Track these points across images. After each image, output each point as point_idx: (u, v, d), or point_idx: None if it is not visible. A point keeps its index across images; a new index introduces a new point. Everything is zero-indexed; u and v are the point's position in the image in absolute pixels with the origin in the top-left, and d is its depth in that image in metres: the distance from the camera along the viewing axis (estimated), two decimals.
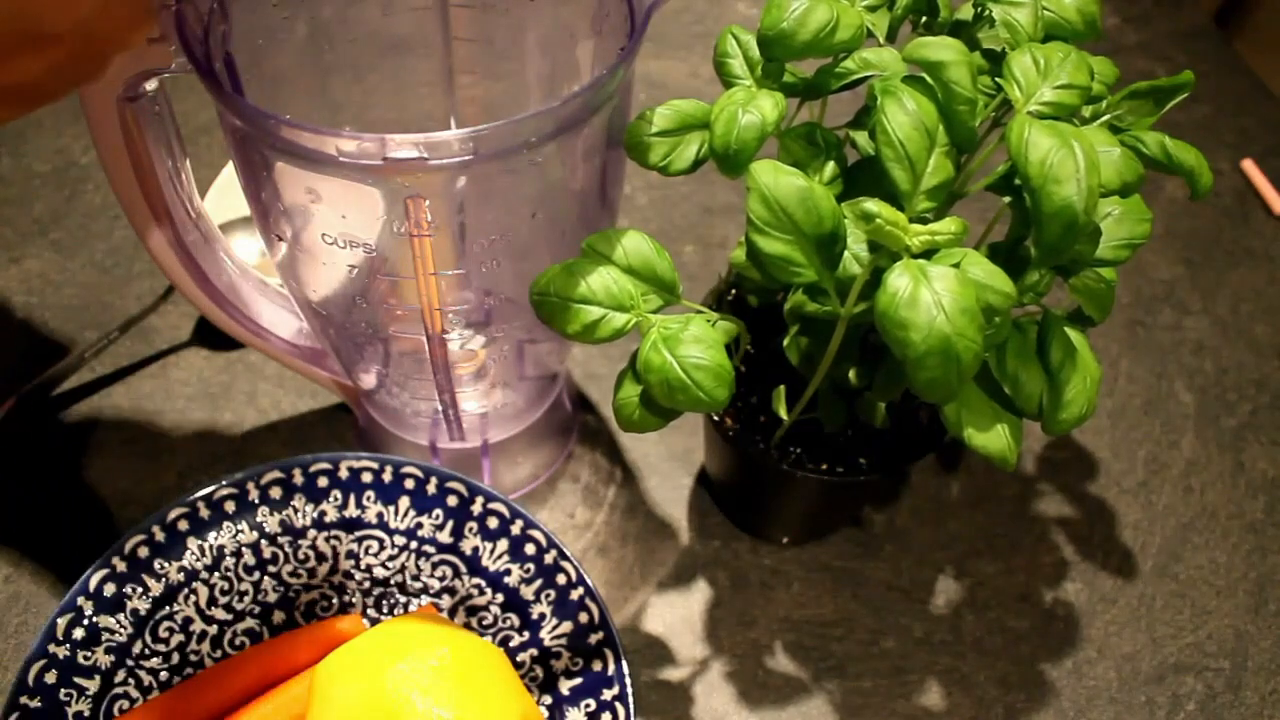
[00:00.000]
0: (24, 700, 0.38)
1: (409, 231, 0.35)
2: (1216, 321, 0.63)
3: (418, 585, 0.45)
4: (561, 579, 0.43)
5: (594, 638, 0.42)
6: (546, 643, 0.43)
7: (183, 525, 0.43)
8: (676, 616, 0.49)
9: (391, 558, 0.45)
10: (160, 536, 0.42)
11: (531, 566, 0.43)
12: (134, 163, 0.38)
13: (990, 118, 0.37)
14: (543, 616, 0.43)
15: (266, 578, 0.44)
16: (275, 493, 0.44)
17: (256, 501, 0.44)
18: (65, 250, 0.61)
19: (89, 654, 0.40)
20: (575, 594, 0.42)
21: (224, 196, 0.59)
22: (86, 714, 0.39)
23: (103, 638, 0.40)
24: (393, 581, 0.45)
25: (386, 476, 0.45)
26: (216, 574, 0.43)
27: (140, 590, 0.41)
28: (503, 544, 0.44)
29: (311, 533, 0.44)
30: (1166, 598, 0.51)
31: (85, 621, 0.40)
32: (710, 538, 0.51)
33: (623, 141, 0.39)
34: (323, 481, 0.44)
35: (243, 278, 0.45)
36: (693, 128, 0.38)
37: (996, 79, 0.37)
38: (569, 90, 0.35)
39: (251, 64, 0.38)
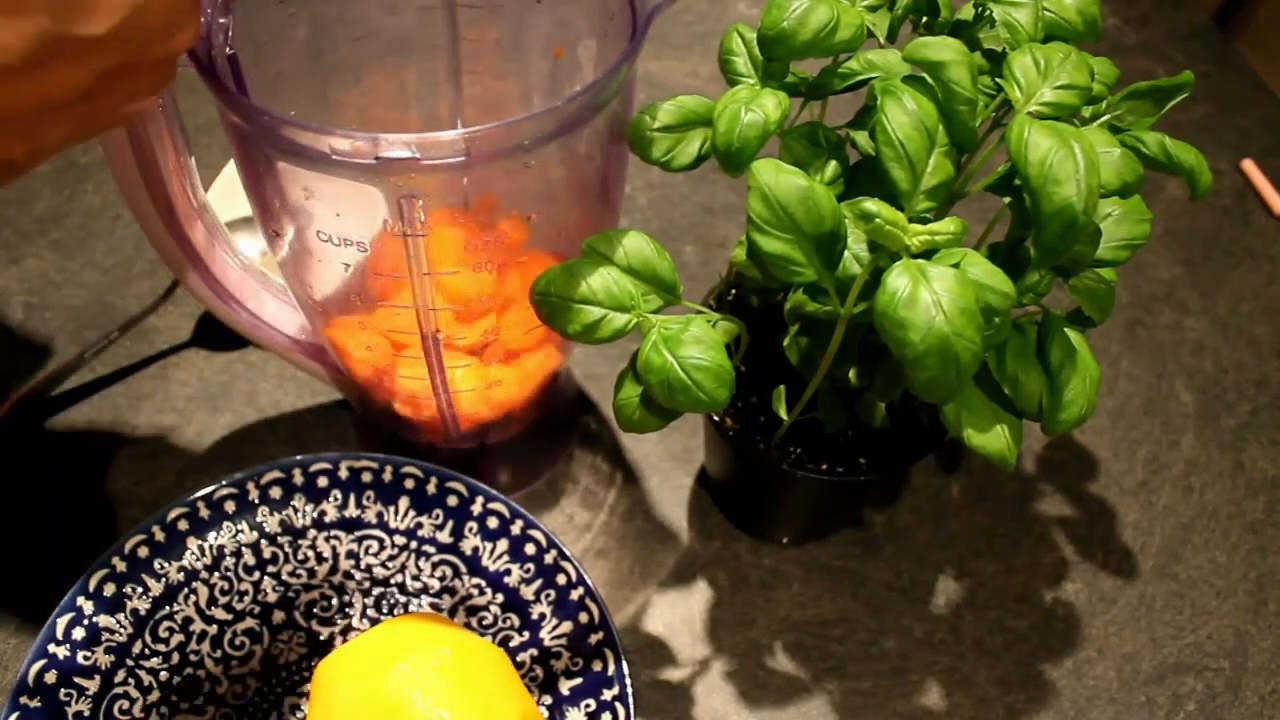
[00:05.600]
0: (24, 700, 0.38)
1: (403, 231, 0.35)
2: (1216, 321, 0.63)
3: (418, 585, 0.45)
4: (561, 579, 0.43)
5: (594, 638, 0.42)
6: (546, 643, 0.43)
7: (183, 525, 0.43)
8: (676, 616, 0.49)
9: (391, 558, 0.45)
10: (160, 536, 0.42)
11: (531, 566, 0.43)
12: (138, 159, 0.38)
13: (990, 118, 0.37)
14: (543, 616, 0.43)
15: (266, 578, 0.44)
16: (275, 493, 0.44)
17: (256, 501, 0.44)
18: (65, 250, 0.61)
19: (89, 654, 0.40)
20: (575, 594, 0.42)
21: (224, 197, 0.59)
22: (86, 714, 0.39)
23: (103, 638, 0.40)
24: (393, 581, 0.45)
25: (386, 476, 0.45)
26: (216, 574, 0.43)
27: (140, 590, 0.41)
28: (503, 544, 0.44)
29: (311, 533, 0.44)
30: (1166, 598, 0.51)
31: (85, 621, 0.40)
32: (710, 538, 0.51)
33: (624, 141, 0.39)
34: (323, 481, 0.44)
35: (246, 273, 0.45)
36: (696, 124, 0.38)
37: (997, 79, 0.37)
38: (572, 91, 0.35)
39: (255, 61, 0.38)
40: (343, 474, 0.45)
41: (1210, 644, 0.49)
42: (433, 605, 0.45)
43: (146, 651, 0.41)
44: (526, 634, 0.43)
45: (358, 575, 0.45)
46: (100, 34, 0.26)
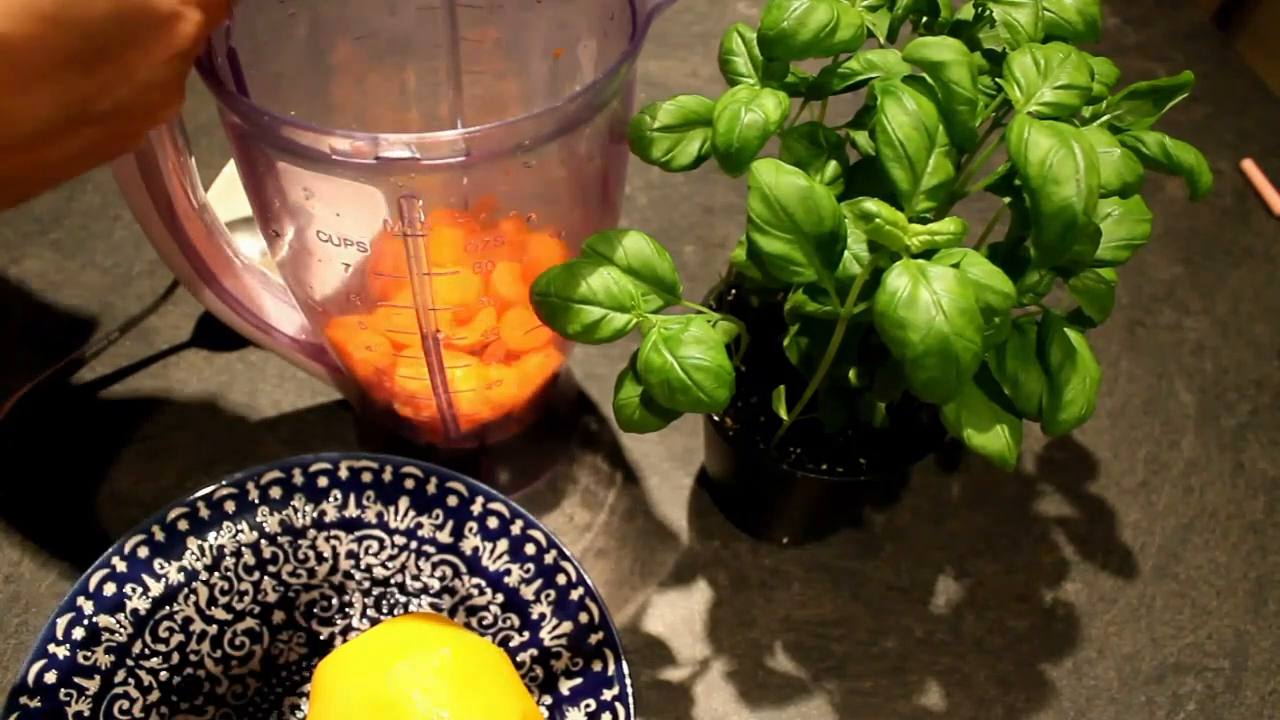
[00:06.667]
0: (24, 700, 0.38)
1: (402, 231, 0.35)
2: (1216, 321, 0.63)
3: (418, 585, 0.45)
4: (561, 579, 0.43)
5: (594, 638, 0.42)
6: (546, 643, 0.43)
7: (183, 525, 0.43)
8: (676, 616, 0.49)
9: (391, 558, 0.45)
10: (160, 536, 0.42)
11: (531, 566, 0.43)
12: (138, 159, 0.38)
13: (990, 118, 0.37)
14: (543, 616, 0.43)
15: (266, 578, 0.44)
16: (275, 493, 0.44)
17: (256, 501, 0.44)
18: (65, 250, 0.61)
19: (89, 654, 0.40)
20: (575, 594, 0.42)
21: (224, 197, 0.59)
22: (86, 714, 0.39)
23: (103, 638, 0.40)
24: (393, 581, 0.45)
25: (386, 476, 0.45)
26: (216, 574, 0.43)
27: (140, 590, 0.41)
28: (503, 544, 0.44)
29: (311, 533, 0.44)
30: (1166, 598, 0.51)
31: (85, 621, 0.40)
32: (710, 538, 0.51)
33: (624, 141, 0.39)
34: (323, 481, 0.44)
35: (246, 272, 0.45)
36: (696, 124, 0.38)
37: (997, 79, 0.37)
38: (572, 91, 0.35)
39: (255, 61, 0.38)
40: (343, 474, 0.45)
41: (1210, 644, 0.49)
42: (433, 605, 0.45)
43: (146, 651, 0.41)
44: (526, 634, 0.43)
45: (358, 575, 0.45)
46: (106, 111, 0.27)
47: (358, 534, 0.45)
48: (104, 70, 0.26)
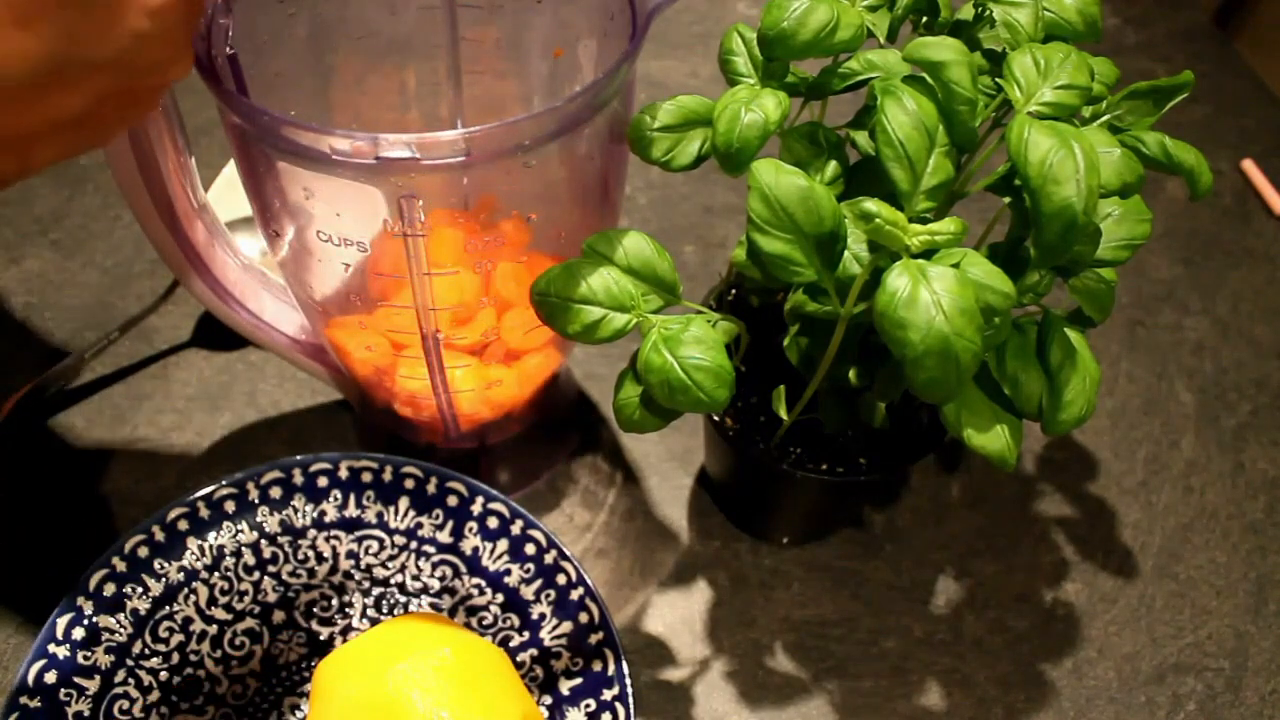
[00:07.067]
0: (24, 700, 0.38)
1: (402, 231, 0.35)
2: (1216, 321, 0.63)
3: (418, 585, 0.45)
4: (561, 579, 0.43)
5: (594, 638, 0.42)
6: (546, 643, 0.43)
7: (183, 525, 0.43)
8: (676, 616, 0.49)
9: (391, 558, 0.45)
10: (160, 536, 0.42)
11: (531, 566, 0.43)
12: (138, 159, 0.38)
13: (990, 118, 0.37)
14: (543, 616, 0.43)
15: (266, 578, 0.44)
16: (275, 493, 0.44)
17: (256, 501, 0.44)
18: (65, 250, 0.61)
19: (89, 654, 0.40)
20: (575, 594, 0.42)
21: (224, 197, 0.59)
22: (86, 714, 0.39)
23: (103, 638, 0.40)
24: (393, 581, 0.45)
25: (386, 476, 0.45)
26: (216, 574, 0.43)
27: (140, 590, 0.41)
28: (503, 544, 0.44)
29: (311, 533, 0.44)
30: (1166, 598, 0.51)
31: (85, 621, 0.40)
32: (710, 538, 0.51)
33: (624, 141, 0.39)
34: (323, 481, 0.44)
35: (246, 272, 0.45)
36: (696, 124, 0.38)
37: (997, 79, 0.37)
38: (572, 91, 0.35)
39: (255, 61, 0.38)
40: (343, 474, 0.45)
41: (1210, 644, 0.49)
42: (433, 605, 0.45)
43: (146, 651, 0.41)
44: (526, 634, 0.43)
45: (358, 575, 0.45)
46: (103, 60, 0.26)
47: (358, 534, 0.45)
48: (92, 8, 0.25)
